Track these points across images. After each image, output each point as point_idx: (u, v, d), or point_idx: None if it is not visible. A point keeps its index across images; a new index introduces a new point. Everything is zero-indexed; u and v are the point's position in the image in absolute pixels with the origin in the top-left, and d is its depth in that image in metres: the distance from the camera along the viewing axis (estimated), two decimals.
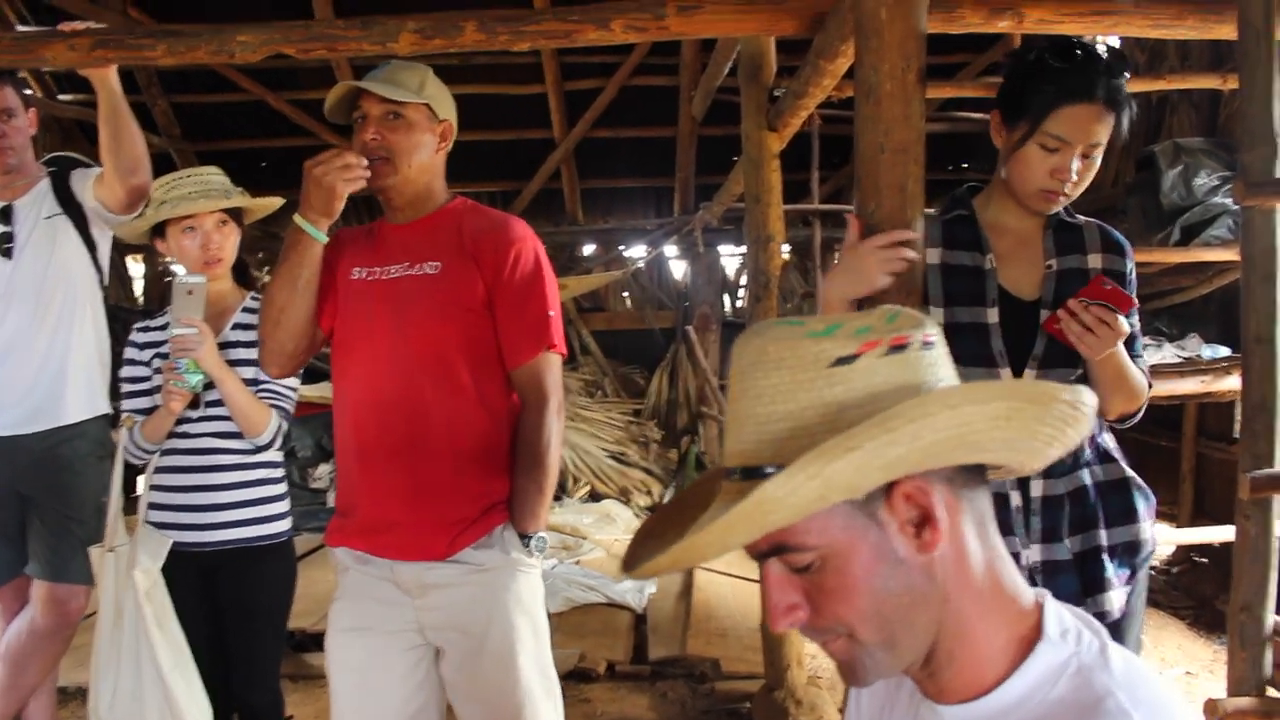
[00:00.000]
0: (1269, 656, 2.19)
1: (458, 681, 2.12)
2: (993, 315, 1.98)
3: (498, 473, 2.11)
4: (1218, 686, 3.46)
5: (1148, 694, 0.91)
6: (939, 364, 0.98)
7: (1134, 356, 1.99)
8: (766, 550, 0.97)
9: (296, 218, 2.04)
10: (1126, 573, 1.98)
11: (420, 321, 2.07)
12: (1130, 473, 2.03)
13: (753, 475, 0.94)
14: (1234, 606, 2.22)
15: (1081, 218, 2.09)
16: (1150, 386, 2.02)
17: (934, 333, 0.98)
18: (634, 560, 1.09)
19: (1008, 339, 1.97)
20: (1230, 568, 2.25)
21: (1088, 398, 0.93)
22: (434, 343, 2.06)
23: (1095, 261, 2.02)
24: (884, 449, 0.87)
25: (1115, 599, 1.95)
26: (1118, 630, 1.95)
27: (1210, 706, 2.16)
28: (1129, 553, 1.98)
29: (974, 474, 1.00)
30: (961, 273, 2.02)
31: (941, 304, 2.02)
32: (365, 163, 2.03)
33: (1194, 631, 4.72)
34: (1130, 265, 2.05)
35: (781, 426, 0.94)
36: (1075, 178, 1.92)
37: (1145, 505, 2.01)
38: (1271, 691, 2.20)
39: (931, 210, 2.14)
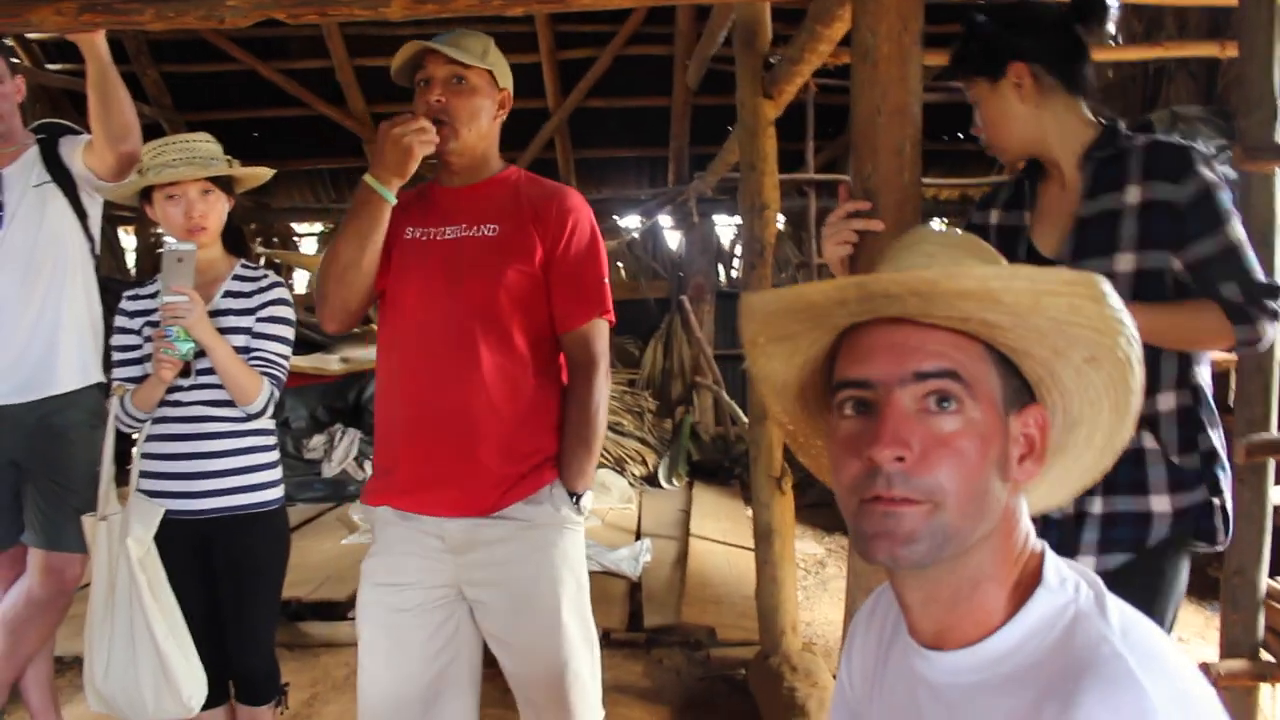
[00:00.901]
0: (1261, 620, 2.20)
1: (501, 634, 2.15)
2: None
3: (547, 430, 2.15)
4: (1210, 652, 3.48)
5: (1142, 640, 0.92)
6: None
7: (1227, 275, 1.75)
8: (930, 371, 0.98)
9: (367, 178, 2.07)
10: (1121, 541, 1.88)
11: (476, 281, 2.10)
12: (1150, 444, 1.86)
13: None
14: (1228, 571, 2.23)
15: (1141, 138, 1.88)
16: (1253, 316, 1.72)
17: None
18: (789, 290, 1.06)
19: None
20: None
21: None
22: (489, 302, 2.09)
23: (1133, 195, 1.84)
24: (1074, 286, 0.93)
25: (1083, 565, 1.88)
26: (1151, 605, 1.83)
27: (1204, 669, 2.17)
28: (1132, 524, 1.87)
29: None
30: (1009, 233, 2.01)
31: None
32: (434, 127, 2.07)
33: (1187, 598, 4.72)
34: (1188, 190, 1.77)
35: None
36: (979, 125, 2.05)
37: (1162, 477, 1.86)
38: (1264, 655, 2.22)
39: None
